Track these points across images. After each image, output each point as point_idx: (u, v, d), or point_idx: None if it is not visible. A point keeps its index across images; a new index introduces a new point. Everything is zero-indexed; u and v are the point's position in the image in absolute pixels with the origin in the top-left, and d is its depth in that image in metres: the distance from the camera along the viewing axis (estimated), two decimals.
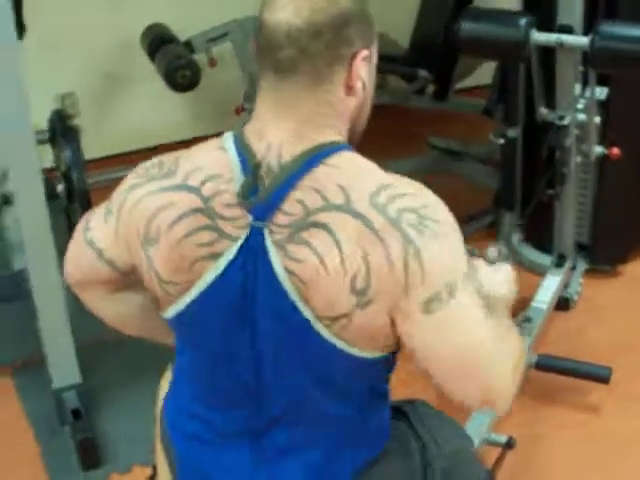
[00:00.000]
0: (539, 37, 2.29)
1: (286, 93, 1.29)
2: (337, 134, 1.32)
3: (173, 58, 3.15)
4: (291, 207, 1.27)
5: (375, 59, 1.37)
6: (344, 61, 1.30)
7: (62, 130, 2.58)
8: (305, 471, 1.43)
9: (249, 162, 1.29)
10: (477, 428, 2.18)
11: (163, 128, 3.93)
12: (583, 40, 2.25)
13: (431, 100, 3.63)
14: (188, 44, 3.36)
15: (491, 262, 1.55)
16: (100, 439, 2.44)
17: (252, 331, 1.34)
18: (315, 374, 1.35)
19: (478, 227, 3.35)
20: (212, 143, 1.36)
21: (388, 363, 1.42)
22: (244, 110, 3.62)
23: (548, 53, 2.38)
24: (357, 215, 1.24)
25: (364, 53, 1.31)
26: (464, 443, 1.71)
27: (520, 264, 2.98)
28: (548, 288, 2.70)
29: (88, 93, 3.72)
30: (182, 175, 1.33)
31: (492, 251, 1.56)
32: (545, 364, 2.48)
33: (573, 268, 2.87)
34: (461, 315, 1.29)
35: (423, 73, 3.36)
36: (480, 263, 1.53)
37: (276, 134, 1.29)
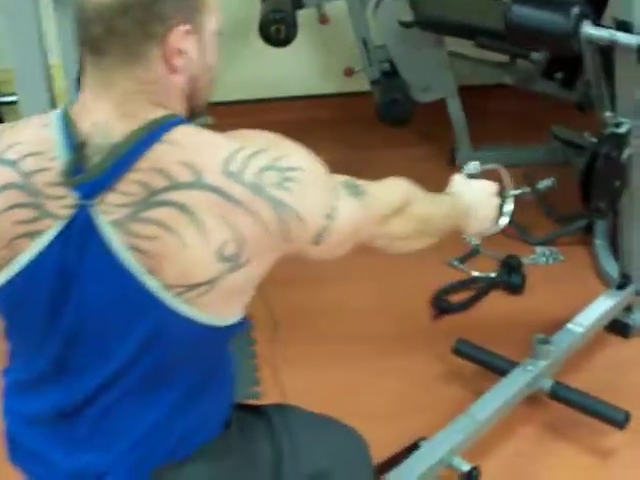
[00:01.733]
0: (591, 31, 2.02)
1: (104, 72, 1.24)
2: (167, 111, 1.26)
3: (270, 10, 3.07)
4: (129, 187, 1.22)
5: (210, 31, 1.28)
6: (158, 38, 1.22)
7: None
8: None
9: (74, 140, 1.23)
10: (434, 448, 2.00)
11: (268, 82, 3.88)
12: (635, 39, 1.96)
13: (558, 87, 3.36)
14: None
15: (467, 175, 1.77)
16: None
17: (74, 312, 1.28)
18: (145, 346, 1.28)
19: (572, 230, 3.08)
20: (38, 119, 1.31)
21: (230, 334, 1.35)
22: (354, 73, 3.50)
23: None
24: (212, 189, 1.21)
25: (183, 28, 1.22)
26: (338, 466, 1.56)
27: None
28: (594, 310, 2.43)
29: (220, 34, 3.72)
30: (0, 148, 1.28)
31: (468, 168, 1.79)
32: (558, 394, 2.24)
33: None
34: (344, 223, 1.33)
35: (536, 56, 3.08)
36: (457, 176, 1.77)
37: (101, 113, 1.24)
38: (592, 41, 2.04)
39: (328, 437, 1.60)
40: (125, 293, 1.24)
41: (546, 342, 2.26)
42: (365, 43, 3.31)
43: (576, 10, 2.02)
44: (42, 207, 1.24)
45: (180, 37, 1.23)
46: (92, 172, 1.22)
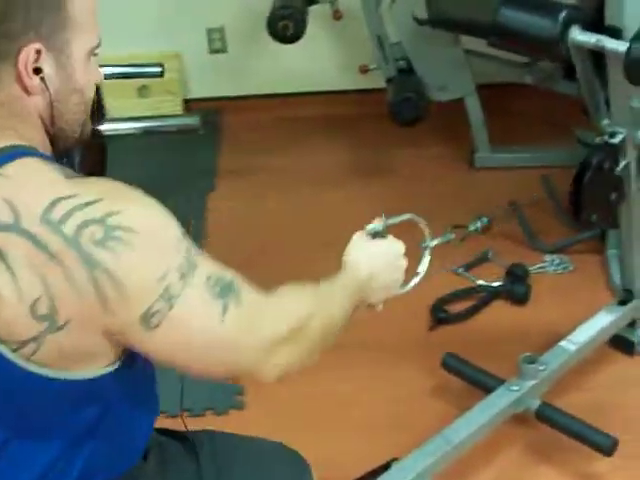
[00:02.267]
0: (578, 37, 1.91)
1: None
2: (18, 138, 1.18)
3: (279, 6, 3.00)
4: None
5: (79, 50, 1.20)
6: (9, 57, 1.15)
7: None
8: None
9: None
10: (405, 469, 1.93)
11: (283, 77, 3.82)
12: (622, 46, 1.85)
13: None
14: None
15: (371, 235, 1.52)
16: None
17: None
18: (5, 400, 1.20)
19: (585, 238, 2.95)
20: None
21: (109, 382, 1.23)
22: (369, 70, 3.42)
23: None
24: (28, 236, 1.09)
25: (34, 46, 1.15)
26: None
27: None
28: (591, 327, 2.31)
29: (236, 30, 3.69)
30: None
31: (371, 227, 1.52)
32: (544, 415, 2.13)
33: None
34: (188, 318, 1.17)
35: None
36: (358, 235, 1.51)
37: None
38: (580, 47, 1.93)
39: (261, 473, 1.52)
40: None
41: (532, 361, 2.15)
42: (380, 40, 3.22)
43: (564, 14, 1.90)
44: None
45: (33, 56, 1.15)
46: None
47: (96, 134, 2.46)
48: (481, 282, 2.80)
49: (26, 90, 1.17)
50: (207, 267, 1.19)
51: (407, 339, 2.62)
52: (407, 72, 3.27)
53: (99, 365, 1.19)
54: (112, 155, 3.20)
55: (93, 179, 1.16)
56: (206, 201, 3.39)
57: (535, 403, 2.14)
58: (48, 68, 1.17)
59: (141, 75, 3.01)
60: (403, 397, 2.40)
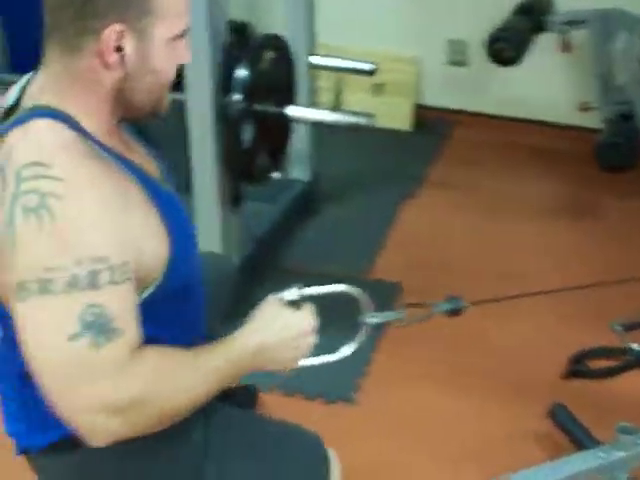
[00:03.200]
0: None
1: (46, 54, 1.34)
2: (65, 100, 1.32)
3: (500, 28, 3.00)
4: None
5: (160, 36, 1.32)
6: (94, 33, 1.28)
7: None
8: None
9: (16, 99, 1.37)
10: None
11: (509, 101, 3.77)
12: None
13: None
14: (541, 20, 3.14)
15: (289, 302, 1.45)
16: None
17: None
18: None
19: None
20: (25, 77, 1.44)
21: None
22: (589, 109, 3.33)
23: None
24: (3, 177, 1.26)
25: (116, 27, 1.28)
26: None
27: None
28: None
29: (477, 45, 3.71)
30: None
31: (286, 294, 1.45)
32: None
33: None
34: (44, 317, 1.22)
35: None
36: (271, 299, 1.45)
37: (33, 85, 1.37)
38: None
39: (271, 460, 1.59)
40: None
41: (630, 432, 2.05)
42: (604, 79, 3.12)
43: None
44: None
45: (116, 35, 1.28)
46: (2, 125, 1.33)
47: (281, 116, 2.60)
48: (634, 346, 2.66)
49: (105, 65, 1.31)
50: (102, 299, 1.23)
51: (534, 379, 2.57)
52: (626, 117, 3.16)
53: None
54: (328, 143, 3.39)
55: (90, 163, 1.27)
56: (401, 206, 3.45)
57: (622, 477, 2.04)
58: (129, 48, 1.30)
59: (352, 71, 3.12)
60: (500, 433, 2.38)
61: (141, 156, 1.47)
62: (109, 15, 1.27)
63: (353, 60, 3.08)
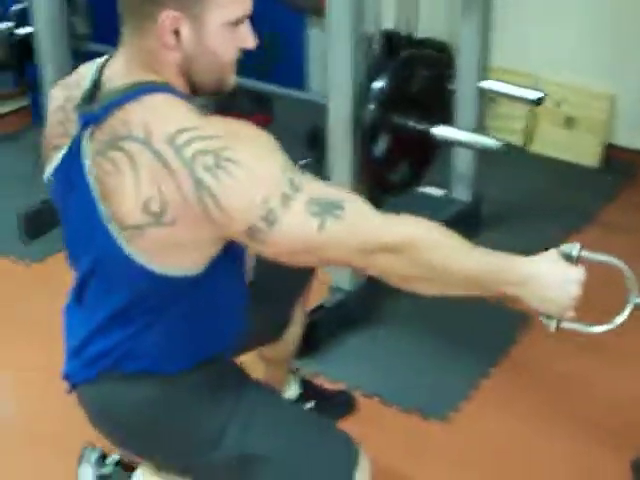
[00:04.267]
0: None
1: (124, 36, 1.53)
2: (160, 77, 1.50)
3: None
4: (107, 128, 1.50)
5: (216, 21, 1.47)
6: (154, 17, 1.45)
7: None
8: None
9: (95, 80, 1.56)
10: None
11: None
12: None
13: None
14: None
15: (563, 255, 1.54)
16: None
17: (64, 221, 1.64)
18: (93, 267, 1.58)
19: None
20: (97, 60, 1.62)
21: (177, 287, 1.54)
22: None
23: None
24: (153, 151, 1.43)
25: (174, 13, 1.44)
26: (282, 463, 1.62)
27: None
28: None
29: None
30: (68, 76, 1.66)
31: (566, 247, 1.55)
32: None
33: None
34: (291, 234, 1.42)
35: None
36: (552, 250, 1.56)
37: (117, 66, 1.55)
38: None
39: (293, 435, 1.66)
40: (88, 214, 1.51)
41: None
42: None
43: None
44: (66, 127, 1.57)
45: (171, 20, 1.44)
46: (92, 107, 1.51)
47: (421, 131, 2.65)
48: None
49: (165, 45, 1.48)
50: (310, 190, 1.42)
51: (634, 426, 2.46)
52: None
53: (184, 267, 1.50)
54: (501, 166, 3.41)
55: (218, 118, 1.46)
56: (562, 240, 3.34)
57: None
58: (185, 31, 1.47)
59: (519, 99, 3.09)
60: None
61: None
62: (167, 2, 1.43)
63: (520, 87, 3.06)
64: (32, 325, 2.85)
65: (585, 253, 1.56)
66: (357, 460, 1.67)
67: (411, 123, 2.56)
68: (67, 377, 1.72)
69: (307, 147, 3.34)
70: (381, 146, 2.55)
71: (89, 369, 1.65)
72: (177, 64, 1.50)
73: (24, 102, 4.30)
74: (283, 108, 4.12)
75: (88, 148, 1.51)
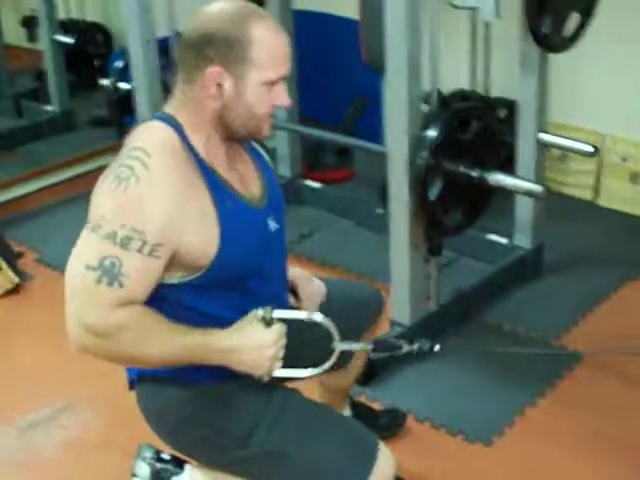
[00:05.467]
0: None
1: (177, 83, 1.83)
2: (179, 114, 1.79)
3: None
4: None
5: (255, 80, 1.74)
6: (202, 71, 1.74)
7: None
8: None
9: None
10: None
11: None
12: None
13: None
14: None
15: (260, 320, 1.75)
16: None
17: None
18: None
19: None
20: None
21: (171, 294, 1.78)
22: None
23: None
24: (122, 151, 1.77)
25: (215, 69, 1.73)
26: (303, 460, 1.83)
27: None
28: None
29: None
30: None
31: (259, 311, 1.75)
32: None
33: None
34: (81, 246, 1.68)
35: None
36: (249, 318, 1.76)
37: (169, 103, 1.85)
38: None
39: (323, 434, 1.87)
40: None
41: None
42: None
43: None
44: None
45: (216, 74, 1.72)
46: None
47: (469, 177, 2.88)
48: None
49: (208, 95, 1.76)
50: (123, 258, 1.64)
51: None
52: None
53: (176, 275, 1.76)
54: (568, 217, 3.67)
55: (175, 165, 1.72)
56: (620, 287, 3.52)
57: None
58: (227, 85, 1.74)
59: (572, 150, 3.30)
60: None
61: (241, 174, 1.88)
62: (215, 59, 1.72)
63: (574, 140, 3.26)
64: None
65: (277, 313, 1.76)
66: (375, 463, 1.85)
67: (456, 168, 2.79)
68: (127, 374, 1.98)
69: (381, 197, 3.58)
70: (432, 190, 2.78)
71: (135, 369, 1.93)
72: (215, 111, 1.77)
73: None
74: (364, 162, 4.42)
75: None
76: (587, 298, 3.42)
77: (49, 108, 5.25)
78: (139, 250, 1.65)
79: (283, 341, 1.77)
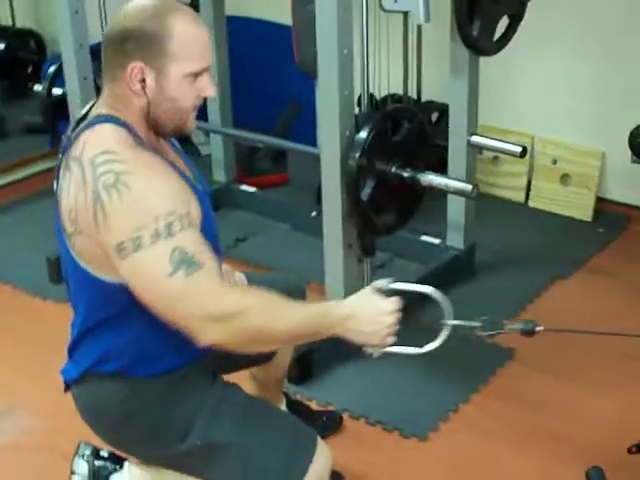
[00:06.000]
0: None
1: (103, 82, 1.84)
2: (115, 113, 1.79)
3: None
4: (71, 150, 1.79)
5: (176, 73, 1.75)
6: (124, 67, 1.75)
7: None
8: None
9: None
10: None
11: None
12: None
13: None
14: None
15: (377, 290, 1.80)
16: None
17: None
18: (65, 266, 1.88)
19: None
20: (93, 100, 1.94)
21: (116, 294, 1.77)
22: None
23: None
24: (80, 166, 1.74)
25: (137, 64, 1.74)
26: (250, 451, 1.84)
27: None
28: None
29: None
30: None
31: (378, 282, 1.83)
32: None
33: None
34: (146, 266, 1.66)
35: None
36: (366, 290, 1.82)
37: (96, 104, 1.86)
38: None
39: (269, 430, 1.89)
40: (57, 226, 1.84)
41: None
42: None
43: None
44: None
45: (138, 70, 1.73)
46: (70, 135, 1.84)
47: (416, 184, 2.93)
48: None
49: (132, 91, 1.77)
50: (180, 242, 1.65)
51: (607, 450, 2.63)
52: None
53: (116, 275, 1.73)
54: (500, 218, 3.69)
55: (146, 153, 1.73)
56: (549, 285, 3.61)
57: None
58: (149, 80, 1.75)
59: (501, 151, 3.37)
60: None
61: (178, 161, 1.91)
62: (134, 55, 1.73)
63: (504, 141, 3.34)
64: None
65: (396, 285, 1.80)
66: (314, 454, 1.88)
67: (386, 168, 2.83)
68: (62, 376, 1.98)
69: (316, 201, 3.61)
70: (364, 190, 2.82)
71: (75, 369, 1.92)
72: (141, 108, 1.78)
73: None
74: (299, 166, 4.45)
75: (64, 165, 1.81)
76: (519, 296, 3.49)
77: None
78: (182, 227, 1.67)
79: (399, 314, 1.80)
